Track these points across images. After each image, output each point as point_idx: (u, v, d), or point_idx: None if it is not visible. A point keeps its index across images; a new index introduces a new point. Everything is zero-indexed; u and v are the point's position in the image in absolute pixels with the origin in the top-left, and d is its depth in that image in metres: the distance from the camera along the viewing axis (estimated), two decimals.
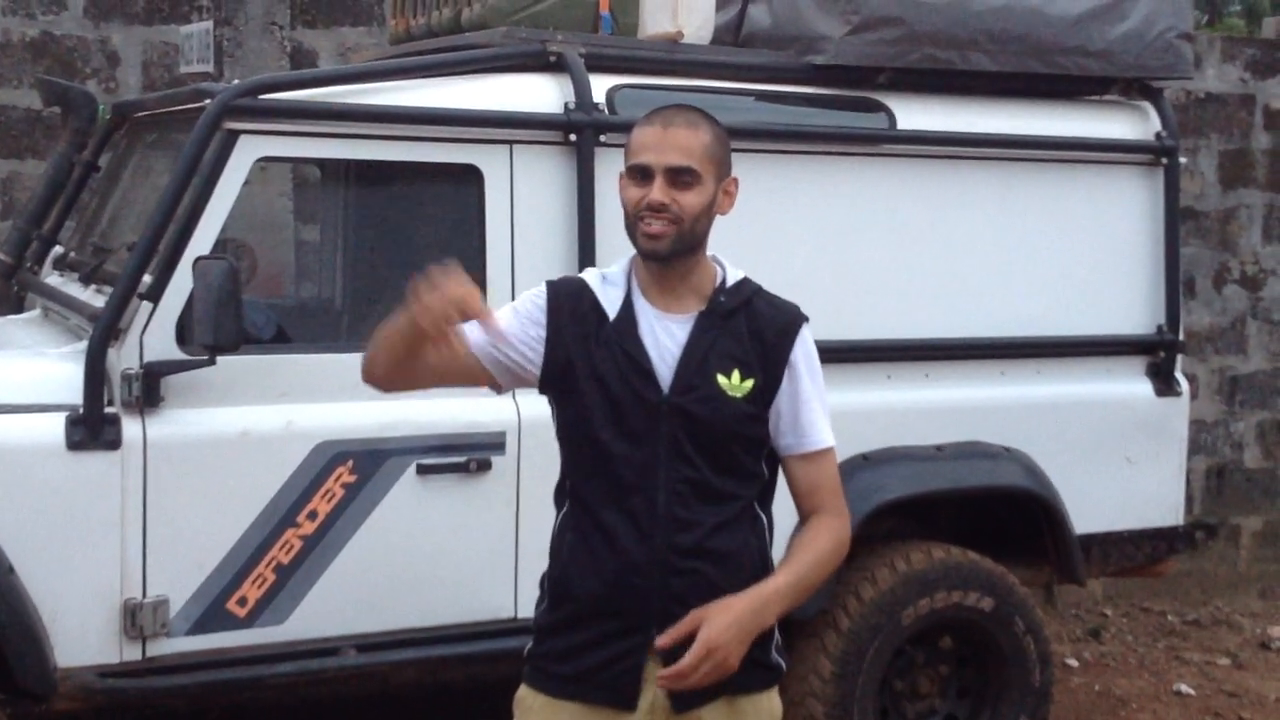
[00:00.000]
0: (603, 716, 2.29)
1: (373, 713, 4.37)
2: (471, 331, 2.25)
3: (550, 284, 2.37)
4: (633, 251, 2.32)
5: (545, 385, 2.34)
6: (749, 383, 2.27)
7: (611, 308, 2.31)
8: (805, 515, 2.36)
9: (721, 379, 2.26)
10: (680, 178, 2.24)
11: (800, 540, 2.32)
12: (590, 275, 2.38)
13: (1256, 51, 6.68)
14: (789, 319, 2.35)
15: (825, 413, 2.36)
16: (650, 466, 2.25)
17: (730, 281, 2.34)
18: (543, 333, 2.31)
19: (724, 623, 2.16)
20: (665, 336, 2.29)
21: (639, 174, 2.26)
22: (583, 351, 2.29)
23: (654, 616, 2.25)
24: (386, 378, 2.33)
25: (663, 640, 2.19)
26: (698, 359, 2.27)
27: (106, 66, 5.25)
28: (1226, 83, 6.55)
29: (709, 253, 2.35)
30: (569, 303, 2.32)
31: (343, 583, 3.39)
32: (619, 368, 2.26)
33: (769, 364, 2.30)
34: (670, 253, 2.25)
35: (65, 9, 5.20)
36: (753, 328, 2.31)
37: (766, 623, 2.23)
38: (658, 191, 2.23)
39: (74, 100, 4.25)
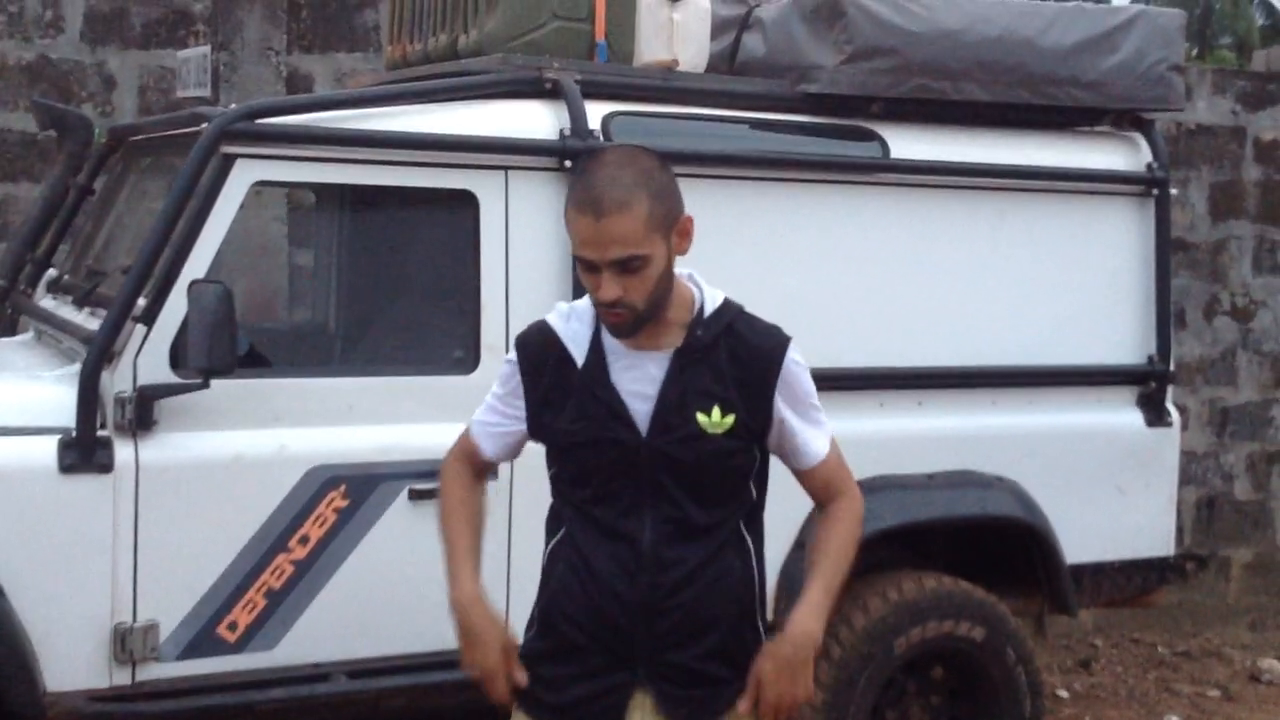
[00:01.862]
0: None
1: None
2: (488, 442, 2.40)
3: (519, 343, 2.37)
4: None
5: (533, 434, 2.37)
6: (730, 418, 2.24)
7: (579, 351, 2.28)
8: (821, 504, 2.41)
9: (701, 417, 2.23)
10: (627, 267, 2.16)
11: (819, 537, 2.36)
12: (555, 316, 2.34)
13: (1247, 84, 6.73)
14: (773, 346, 2.30)
15: (820, 423, 2.36)
16: (634, 508, 2.25)
17: (709, 308, 2.29)
18: (521, 401, 2.34)
19: (773, 669, 2.24)
20: (641, 376, 2.25)
21: (586, 265, 2.20)
22: (559, 403, 2.28)
23: (640, 653, 2.25)
24: None
25: (744, 706, 2.26)
26: (675, 399, 2.24)
27: (103, 90, 5.27)
28: (1217, 115, 6.60)
29: (686, 272, 2.32)
30: (538, 358, 2.31)
31: (334, 608, 3.38)
32: (595, 413, 2.25)
33: (753, 394, 2.27)
34: (635, 331, 2.23)
35: (62, 32, 5.22)
36: (734, 356, 2.27)
37: (817, 638, 2.27)
38: (607, 288, 2.17)
39: (69, 124, 4.25)
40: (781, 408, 2.30)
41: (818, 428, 2.35)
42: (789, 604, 3.69)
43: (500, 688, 2.27)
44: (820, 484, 2.38)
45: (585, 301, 2.32)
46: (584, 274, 2.21)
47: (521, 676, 2.28)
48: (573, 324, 2.31)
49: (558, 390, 2.28)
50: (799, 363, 2.32)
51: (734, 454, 2.27)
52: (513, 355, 2.36)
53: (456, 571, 2.32)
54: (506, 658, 2.27)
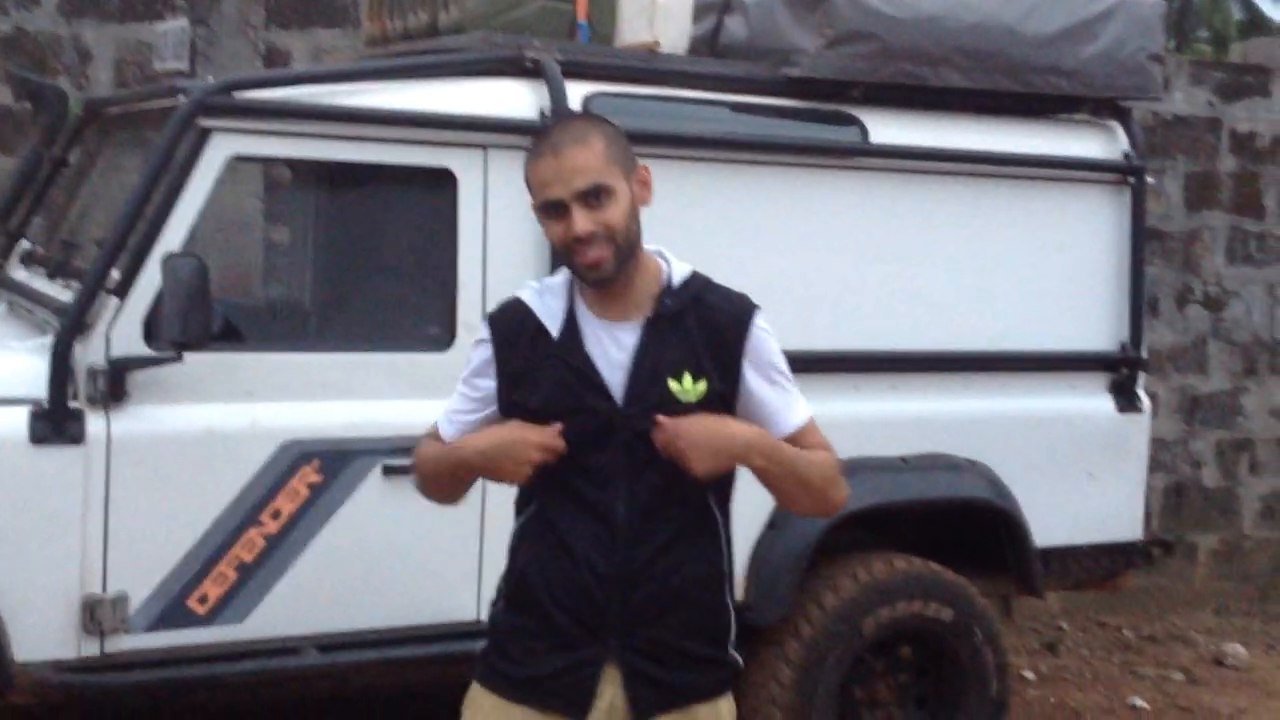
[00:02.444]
0: None
1: (333, 714, 4.36)
2: (453, 429, 2.36)
3: (491, 320, 2.36)
4: None
5: (505, 412, 2.34)
6: (701, 384, 2.25)
7: (554, 323, 2.28)
8: None
9: (673, 384, 2.24)
10: (593, 198, 2.19)
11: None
12: (528, 292, 2.35)
13: (1224, 75, 6.77)
14: (740, 312, 2.31)
15: (791, 392, 2.34)
16: (609, 479, 2.25)
17: (677, 279, 2.30)
18: (491, 381, 2.32)
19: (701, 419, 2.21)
20: (613, 346, 2.27)
21: (552, 210, 2.22)
22: (532, 374, 2.28)
23: (614, 626, 2.26)
24: (444, 502, 2.47)
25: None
26: (648, 368, 2.25)
27: (79, 63, 5.23)
28: (1194, 106, 6.63)
29: (653, 247, 2.33)
30: (512, 332, 2.31)
31: (305, 582, 3.38)
32: (569, 384, 2.25)
33: (723, 361, 2.28)
34: (615, 273, 2.23)
35: (39, 5, 5.18)
36: (703, 324, 2.28)
37: (735, 443, 2.23)
38: (579, 222, 2.19)
39: (45, 96, 4.23)
40: (750, 373, 2.30)
41: (789, 395, 2.34)
42: (760, 586, 3.76)
43: (547, 436, 2.22)
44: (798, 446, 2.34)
45: (557, 277, 2.34)
46: (552, 224, 2.23)
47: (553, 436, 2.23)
48: (546, 299, 2.32)
49: (532, 364, 2.28)
50: (766, 330, 2.33)
51: None
52: (484, 332, 2.35)
53: (457, 444, 2.31)
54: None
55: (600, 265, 2.21)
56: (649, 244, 2.32)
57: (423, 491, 2.44)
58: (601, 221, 2.20)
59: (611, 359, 2.26)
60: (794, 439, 2.32)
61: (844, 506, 2.43)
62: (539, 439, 2.21)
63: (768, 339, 2.33)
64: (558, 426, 2.22)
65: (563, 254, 2.26)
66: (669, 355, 2.25)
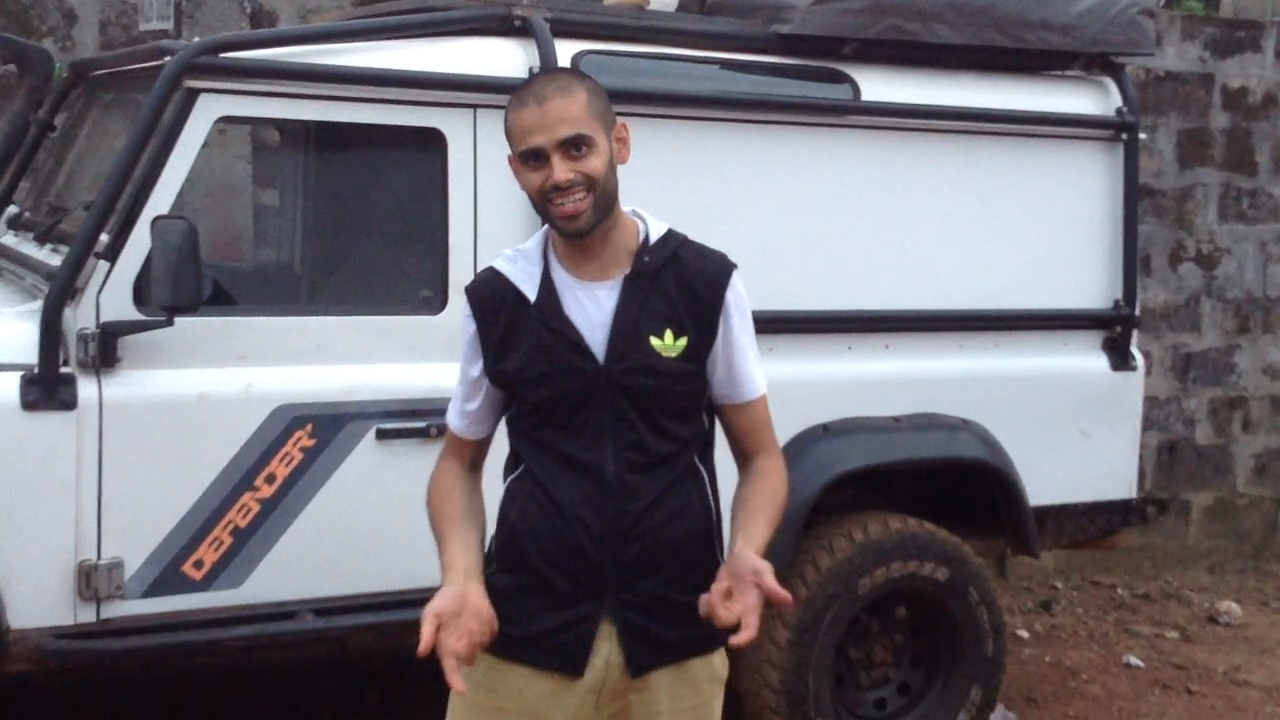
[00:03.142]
0: (550, 680, 2.30)
1: (329, 677, 4.37)
2: (462, 421, 2.38)
3: (469, 291, 2.36)
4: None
5: (492, 380, 2.34)
6: (682, 340, 2.27)
7: (530, 288, 2.28)
8: (745, 456, 2.38)
9: (654, 340, 2.25)
10: (575, 147, 2.19)
11: (760, 488, 2.32)
12: (502, 260, 2.34)
13: (1216, 31, 6.74)
14: (718, 269, 2.32)
15: (758, 360, 2.36)
16: (596, 437, 2.26)
17: (654, 237, 2.31)
18: (479, 355, 2.32)
19: (754, 556, 2.17)
20: (592, 305, 2.27)
21: (532, 158, 2.21)
22: (514, 340, 2.28)
23: (608, 583, 2.27)
24: None
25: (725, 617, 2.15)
26: (629, 325, 2.25)
27: (63, 24, 5.18)
28: (1186, 62, 6.60)
29: (629, 208, 2.33)
30: (492, 301, 2.31)
31: (300, 547, 3.38)
32: (551, 346, 2.25)
33: (701, 318, 2.29)
34: (592, 225, 2.22)
35: None
36: (681, 281, 2.28)
37: (763, 578, 2.18)
38: (559, 170, 2.19)
39: (30, 58, 4.18)
40: (724, 332, 2.31)
41: (754, 363, 2.36)
42: None
43: (428, 634, 2.13)
44: (747, 427, 2.37)
45: (531, 242, 2.34)
46: (531, 173, 2.22)
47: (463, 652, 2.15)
48: (520, 264, 2.31)
49: (514, 330, 2.28)
50: (741, 292, 2.34)
51: (688, 377, 2.29)
52: (465, 308, 2.35)
53: (444, 569, 2.26)
54: (453, 621, 2.15)
55: (578, 216, 2.21)
56: (631, 204, 2.33)
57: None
58: (581, 171, 2.19)
59: (591, 318, 2.26)
60: (750, 408, 2.35)
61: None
62: (461, 640, 2.13)
63: (744, 300, 2.34)
64: (490, 630, 2.17)
65: (540, 205, 2.25)
66: (649, 312, 2.26)
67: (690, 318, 2.28)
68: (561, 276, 2.28)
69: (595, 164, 2.21)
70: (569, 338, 2.25)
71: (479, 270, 2.40)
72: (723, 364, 2.32)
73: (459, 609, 2.16)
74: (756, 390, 2.36)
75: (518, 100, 2.24)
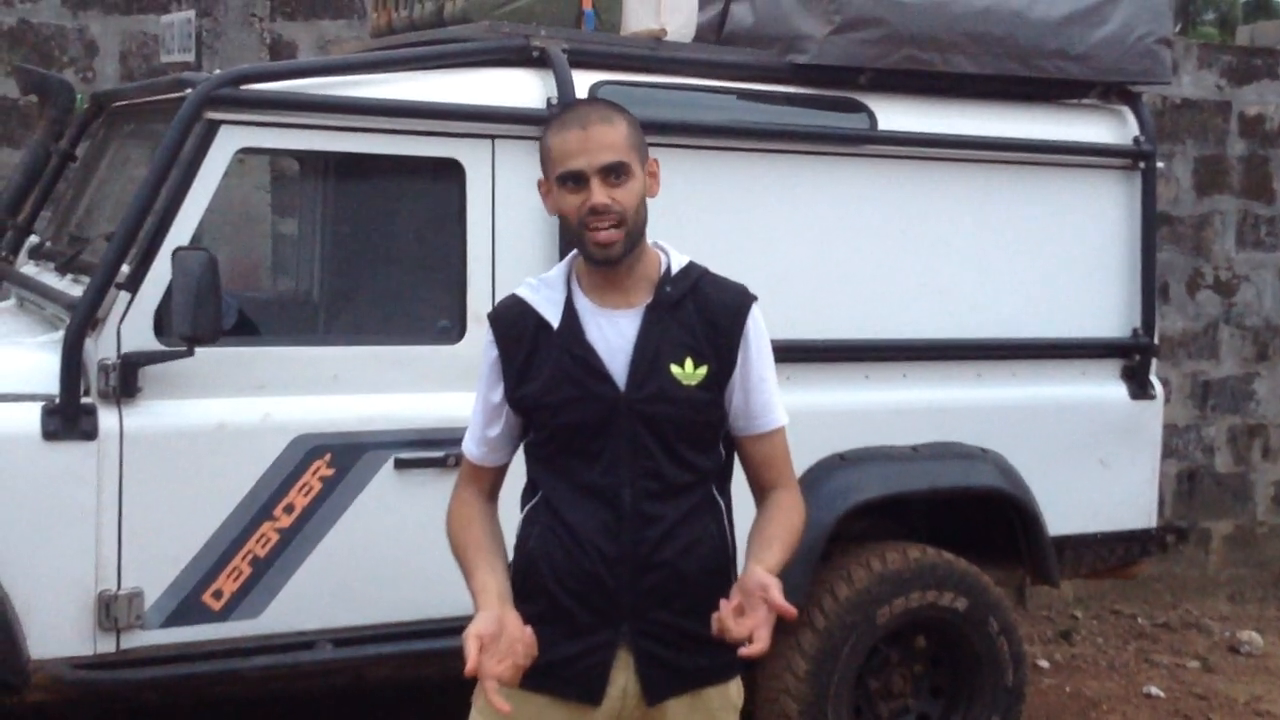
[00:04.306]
0: (569, 709, 2.30)
1: (347, 708, 4.36)
2: (480, 449, 2.39)
3: (492, 318, 2.38)
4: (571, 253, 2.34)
5: (512, 406, 2.36)
6: (702, 369, 2.29)
7: (553, 314, 2.31)
8: (763, 488, 2.39)
9: (675, 369, 2.27)
10: (614, 175, 2.24)
11: (776, 518, 2.33)
12: (525, 288, 2.37)
13: (1233, 59, 6.74)
14: (738, 301, 2.35)
15: (777, 392, 2.38)
16: (613, 464, 2.27)
17: (675, 268, 2.34)
18: (501, 382, 2.34)
19: (763, 572, 2.17)
20: (614, 333, 2.29)
21: (571, 181, 2.25)
22: (536, 366, 2.29)
23: (625, 611, 2.27)
24: None
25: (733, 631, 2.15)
26: (650, 353, 2.28)
27: (84, 55, 5.22)
28: (1203, 89, 6.60)
29: (651, 240, 2.35)
30: (515, 328, 2.33)
31: (319, 577, 3.38)
32: (573, 372, 2.27)
33: (721, 348, 2.31)
34: (623, 255, 2.26)
35: None
36: (702, 312, 2.31)
37: (771, 594, 2.18)
38: (598, 194, 2.23)
39: (51, 89, 4.22)
40: (744, 363, 2.32)
41: (774, 395, 2.37)
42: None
43: (473, 656, 2.15)
44: (765, 459, 2.38)
45: (554, 271, 2.37)
46: (569, 195, 2.25)
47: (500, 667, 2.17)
48: (543, 292, 2.34)
49: (536, 356, 2.30)
50: (761, 323, 2.36)
51: (707, 406, 2.30)
52: (488, 334, 2.37)
53: (476, 594, 2.27)
54: (493, 639, 2.17)
55: (611, 245, 2.24)
56: (651, 234, 2.35)
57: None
58: (616, 198, 2.23)
59: (612, 345, 2.28)
60: (768, 440, 2.37)
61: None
62: (503, 663, 2.15)
63: (763, 332, 2.37)
64: (532, 653, 2.18)
65: (575, 229, 2.27)
66: (670, 340, 2.28)
67: (710, 347, 2.30)
68: (584, 304, 2.31)
69: (629, 194, 2.25)
70: (590, 363, 2.27)
71: (501, 298, 2.41)
72: (741, 394, 2.34)
73: (498, 632, 2.17)
74: (774, 422, 2.37)
75: (560, 124, 2.28)
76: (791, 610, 2.14)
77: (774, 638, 3.81)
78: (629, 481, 2.27)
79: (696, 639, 2.28)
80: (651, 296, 2.30)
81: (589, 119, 2.26)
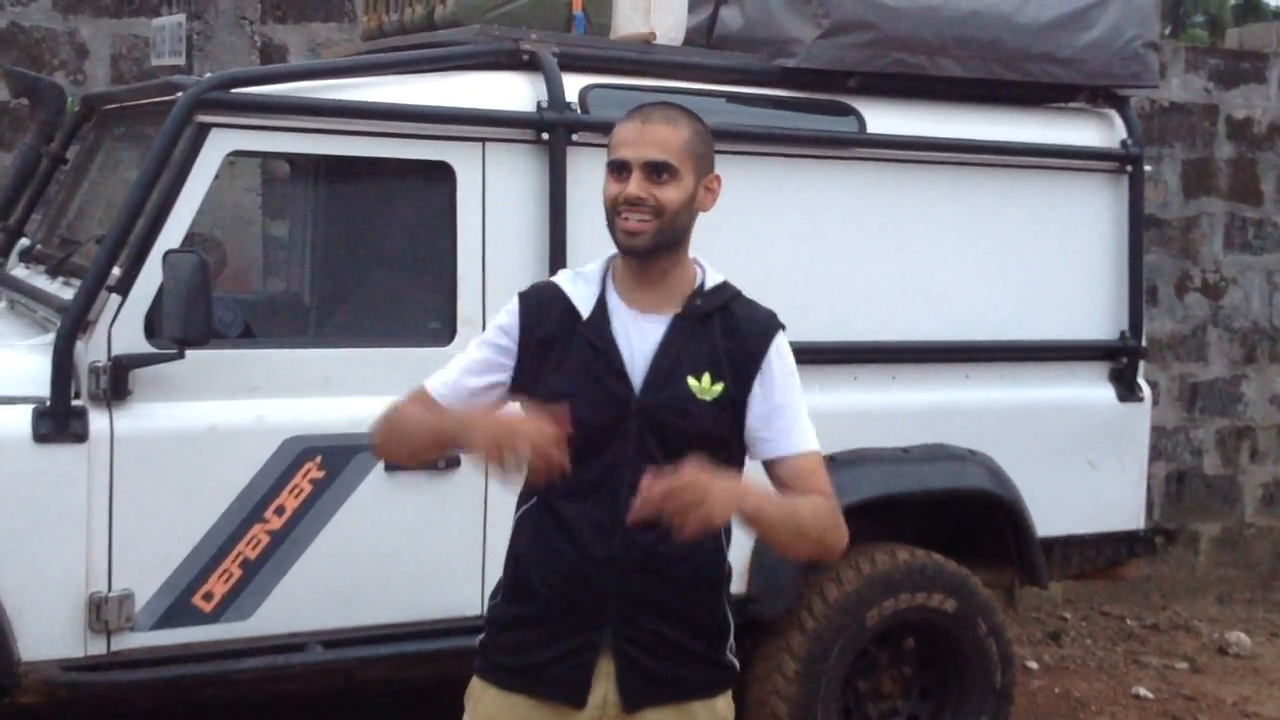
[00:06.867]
0: (552, 712, 2.30)
1: (338, 710, 4.36)
2: (454, 396, 2.32)
3: (522, 295, 2.38)
4: (611, 250, 2.33)
5: (515, 390, 2.34)
6: (719, 385, 2.28)
7: (585, 306, 2.31)
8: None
9: (692, 381, 2.27)
10: (657, 173, 2.25)
11: (804, 496, 2.26)
12: (563, 276, 2.39)
13: (1220, 62, 6.77)
14: (764, 325, 2.35)
15: (803, 420, 2.34)
16: (616, 465, 2.26)
17: (709, 285, 2.35)
18: (512, 358, 2.32)
19: (701, 470, 2.08)
20: (638, 336, 2.29)
21: (617, 169, 2.27)
22: (554, 351, 2.30)
23: (610, 614, 2.27)
24: (399, 461, 2.44)
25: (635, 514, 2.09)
26: (670, 360, 2.28)
27: (75, 59, 5.22)
28: (1190, 92, 6.63)
29: (692, 255, 2.36)
30: (542, 308, 2.33)
31: (310, 578, 3.38)
32: (591, 365, 2.28)
33: (740, 369, 2.30)
34: (650, 248, 2.26)
35: (34, 0, 5.16)
36: (728, 331, 2.31)
37: (743, 503, 2.13)
38: (634, 186, 2.24)
39: (42, 92, 4.22)
40: (762, 386, 2.31)
41: (797, 420, 2.32)
42: (763, 579, 3.75)
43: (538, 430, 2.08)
44: (790, 482, 2.29)
45: (592, 266, 2.37)
46: (613, 181, 2.27)
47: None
48: (579, 284, 2.35)
49: (558, 343, 2.30)
50: (785, 351, 2.35)
51: (717, 423, 2.29)
52: (514, 305, 2.36)
53: (456, 419, 2.23)
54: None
55: (637, 234, 2.25)
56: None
57: (377, 445, 2.39)
58: (654, 195, 2.24)
59: (635, 347, 2.29)
60: (792, 465, 2.30)
61: (842, 551, 2.33)
62: (542, 439, 2.08)
63: (786, 358, 2.35)
64: (566, 433, 2.11)
65: (609, 215, 2.29)
66: (692, 352, 2.29)
67: (730, 366, 2.30)
68: (615, 302, 2.32)
69: (671, 195, 2.25)
70: (610, 360, 2.28)
71: (537, 281, 2.44)
72: (759, 419, 2.32)
73: (513, 418, 2.14)
74: (797, 447, 2.31)
75: (629, 115, 2.32)
76: (653, 498, 2.03)
77: (763, 640, 3.84)
78: (628, 483, 2.24)
79: (680, 648, 2.29)
80: (682, 307, 2.31)
81: (652, 115, 2.28)
